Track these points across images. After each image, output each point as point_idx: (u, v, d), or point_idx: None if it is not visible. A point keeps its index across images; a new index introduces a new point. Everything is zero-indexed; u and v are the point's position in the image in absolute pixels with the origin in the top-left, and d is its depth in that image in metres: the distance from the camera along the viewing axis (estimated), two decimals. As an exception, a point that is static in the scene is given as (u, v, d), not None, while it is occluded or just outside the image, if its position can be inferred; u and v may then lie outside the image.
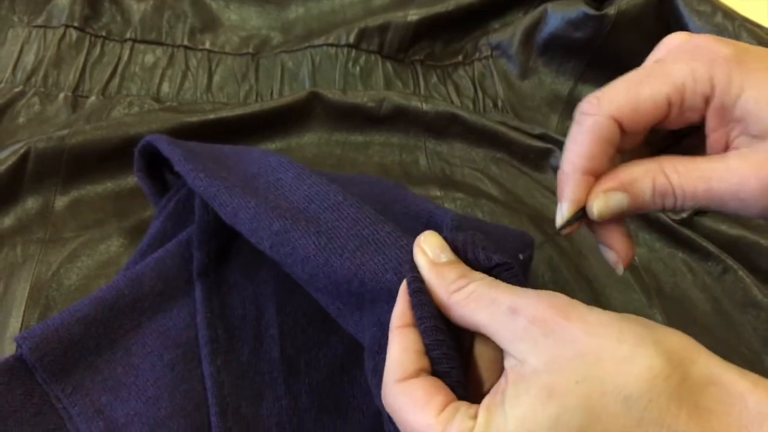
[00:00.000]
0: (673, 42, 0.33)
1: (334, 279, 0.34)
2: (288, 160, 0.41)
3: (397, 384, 0.28)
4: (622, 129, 0.30)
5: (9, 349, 0.44)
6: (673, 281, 0.52)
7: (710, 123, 0.30)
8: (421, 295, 0.30)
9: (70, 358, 0.39)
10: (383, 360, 0.30)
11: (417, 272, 0.31)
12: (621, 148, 0.32)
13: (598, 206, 0.31)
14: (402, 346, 0.29)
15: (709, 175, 0.29)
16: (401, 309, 0.30)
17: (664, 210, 0.31)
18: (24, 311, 0.45)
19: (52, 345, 0.39)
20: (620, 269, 0.33)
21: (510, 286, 0.28)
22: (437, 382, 0.28)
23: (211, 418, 0.38)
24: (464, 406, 0.27)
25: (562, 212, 0.32)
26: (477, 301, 0.28)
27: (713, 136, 0.30)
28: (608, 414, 0.24)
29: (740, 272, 0.50)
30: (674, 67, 0.30)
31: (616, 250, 0.33)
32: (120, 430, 0.38)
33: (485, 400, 0.27)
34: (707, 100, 0.30)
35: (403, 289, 0.31)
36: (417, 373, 0.28)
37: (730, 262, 0.51)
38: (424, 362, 0.29)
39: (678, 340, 0.25)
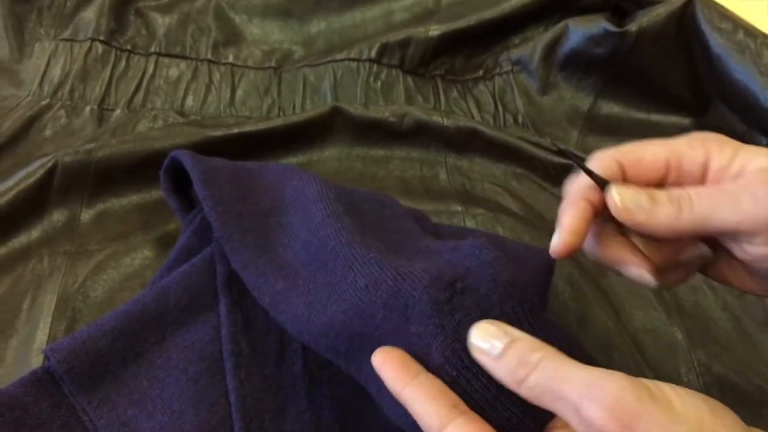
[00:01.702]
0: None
1: (315, 334, 0.36)
2: (308, 190, 0.42)
3: None
4: (625, 176, 0.33)
5: (36, 361, 0.44)
6: (694, 299, 0.52)
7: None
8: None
9: (97, 371, 0.40)
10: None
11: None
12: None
13: (620, 193, 0.33)
14: (426, 396, 0.30)
15: (718, 184, 0.32)
16: (402, 365, 0.31)
17: (677, 221, 0.31)
18: (51, 323, 0.46)
19: (80, 357, 0.39)
20: (648, 278, 0.34)
21: (571, 371, 0.27)
22: (476, 422, 0.29)
23: (235, 432, 0.39)
24: None
25: (558, 235, 0.34)
26: (542, 395, 0.28)
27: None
28: None
29: (761, 291, 0.50)
30: (673, 140, 0.34)
31: (631, 263, 0.34)
32: (145, 444, 0.38)
33: None
34: (704, 167, 0.33)
35: (389, 352, 0.32)
36: (451, 414, 0.29)
37: (751, 280, 0.51)
38: (453, 397, 0.30)
39: None
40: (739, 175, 0.32)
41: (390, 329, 0.33)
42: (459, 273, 0.33)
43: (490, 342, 0.30)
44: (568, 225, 0.33)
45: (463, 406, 0.30)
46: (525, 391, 0.28)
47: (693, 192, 0.31)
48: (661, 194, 0.32)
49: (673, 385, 0.27)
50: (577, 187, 0.35)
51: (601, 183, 0.33)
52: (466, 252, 0.35)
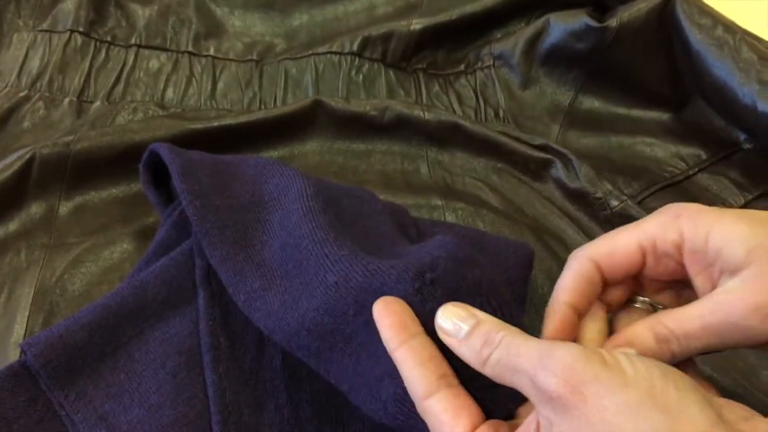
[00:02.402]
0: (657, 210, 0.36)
1: (287, 332, 0.36)
2: (291, 189, 0.42)
3: (422, 402, 0.30)
4: (602, 272, 0.34)
5: (13, 355, 0.44)
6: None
7: (690, 269, 0.33)
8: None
9: (74, 365, 0.39)
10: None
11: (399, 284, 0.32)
12: (617, 300, 0.36)
13: None
14: (415, 361, 0.30)
15: (701, 313, 0.31)
16: (400, 323, 0.31)
17: (674, 358, 0.32)
18: (28, 317, 0.46)
19: (57, 351, 0.39)
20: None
21: (526, 345, 0.28)
22: (461, 398, 0.30)
23: (213, 427, 0.39)
24: None
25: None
26: (503, 371, 0.29)
27: (698, 280, 0.32)
28: None
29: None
30: (645, 222, 0.34)
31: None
32: (123, 438, 0.38)
33: None
34: (679, 248, 0.32)
35: (391, 305, 0.31)
36: (438, 384, 0.29)
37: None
38: (443, 367, 0.30)
39: (698, 425, 0.25)
40: (713, 263, 0.31)
41: (362, 324, 0.33)
42: (427, 264, 0.33)
43: (456, 323, 0.31)
44: (549, 328, 0.34)
45: (452, 378, 0.30)
46: (489, 370, 0.29)
47: (683, 335, 0.31)
48: (646, 345, 0.32)
49: (629, 352, 0.28)
50: (557, 293, 0.35)
51: None
52: (435, 245, 0.35)
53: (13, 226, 0.51)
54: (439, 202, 0.55)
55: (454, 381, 0.31)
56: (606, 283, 0.35)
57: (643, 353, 0.31)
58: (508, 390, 0.30)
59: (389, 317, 0.31)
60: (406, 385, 0.31)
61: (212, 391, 0.39)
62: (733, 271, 0.31)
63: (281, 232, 0.40)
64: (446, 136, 0.59)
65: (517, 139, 0.59)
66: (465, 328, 0.30)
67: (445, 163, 0.59)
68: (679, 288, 0.35)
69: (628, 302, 0.36)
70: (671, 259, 0.33)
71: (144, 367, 0.40)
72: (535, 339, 0.29)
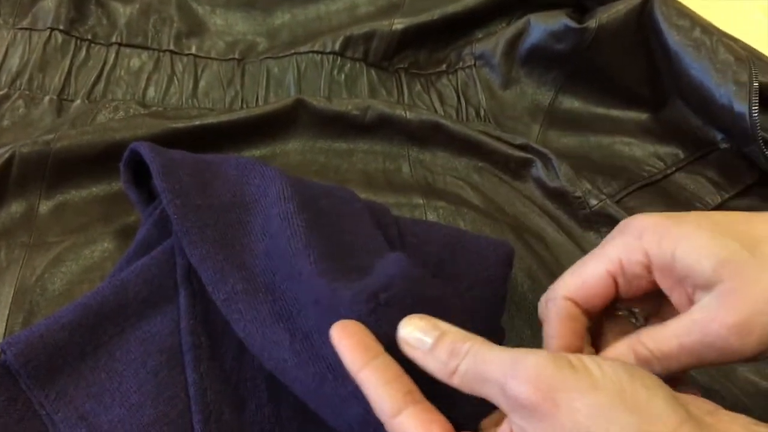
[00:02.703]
0: (620, 224, 0.36)
1: (259, 343, 0.37)
2: (270, 189, 0.42)
3: (391, 420, 0.29)
4: (580, 306, 0.34)
5: (-7, 355, 0.44)
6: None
7: (664, 286, 0.33)
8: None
9: (55, 365, 0.39)
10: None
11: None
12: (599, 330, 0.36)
13: None
14: (380, 381, 0.30)
15: (678, 332, 0.31)
16: (360, 344, 0.31)
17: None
18: (8, 316, 0.46)
19: (37, 351, 0.39)
20: None
21: (493, 354, 0.29)
22: (430, 412, 0.29)
23: (194, 425, 0.39)
24: None
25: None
26: (471, 381, 0.29)
27: (674, 296, 0.33)
28: None
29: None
30: (609, 245, 0.34)
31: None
32: (103, 437, 0.38)
33: None
34: (647, 267, 0.32)
35: (348, 327, 0.32)
36: (405, 401, 0.29)
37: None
38: (408, 384, 0.30)
39: (667, 423, 0.26)
40: (684, 279, 0.31)
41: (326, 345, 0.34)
42: (381, 285, 0.33)
43: (420, 336, 0.31)
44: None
45: (418, 394, 0.30)
46: (457, 380, 0.29)
47: (662, 355, 0.31)
48: (628, 361, 0.32)
49: (596, 356, 0.28)
50: (548, 341, 0.35)
51: None
52: (390, 263, 0.35)
53: (-8, 224, 0.50)
54: (421, 201, 0.56)
55: (421, 396, 0.30)
56: (590, 315, 0.35)
57: None
58: (473, 403, 0.30)
59: (348, 338, 0.31)
60: (372, 405, 0.30)
61: (193, 390, 0.39)
62: (705, 286, 0.31)
63: (263, 237, 0.40)
64: (427, 135, 0.60)
65: (498, 139, 0.59)
66: (429, 340, 0.30)
67: (427, 162, 0.60)
68: (659, 295, 0.35)
69: (609, 309, 0.36)
70: (642, 279, 0.33)
71: (125, 367, 0.40)
72: (502, 348, 0.29)
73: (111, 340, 0.41)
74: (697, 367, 0.32)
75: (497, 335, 0.44)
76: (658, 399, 0.26)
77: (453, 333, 0.30)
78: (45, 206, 0.52)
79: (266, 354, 0.37)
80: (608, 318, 0.37)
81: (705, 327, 0.30)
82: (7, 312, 0.46)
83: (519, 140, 0.59)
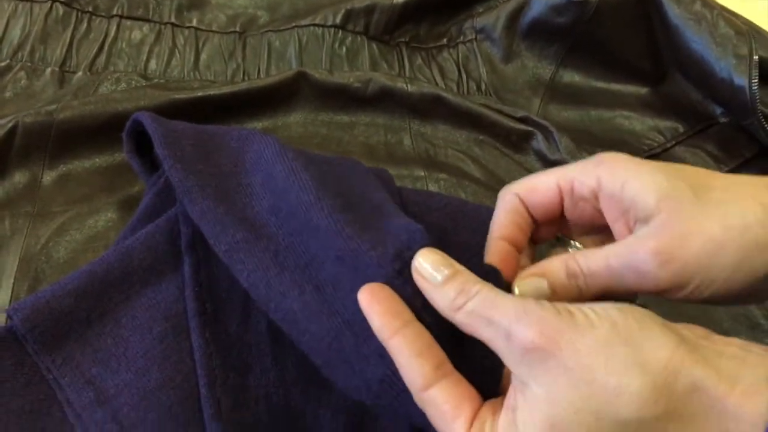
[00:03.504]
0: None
1: (264, 293, 0.37)
2: (266, 151, 0.42)
3: (421, 393, 0.30)
4: (527, 208, 0.36)
5: (-1, 321, 0.44)
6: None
7: (608, 215, 0.34)
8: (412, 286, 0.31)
9: (61, 330, 0.40)
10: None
11: (400, 264, 0.32)
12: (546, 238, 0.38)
13: (520, 287, 0.34)
14: (412, 352, 0.30)
15: (607, 254, 0.32)
16: (391, 311, 0.31)
17: (581, 295, 0.33)
18: (13, 284, 0.46)
19: (43, 316, 0.39)
20: None
21: (503, 300, 0.29)
22: (459, 386, 0.30)
23: (200, 389, 0.39)
24: (488, 422, 0.29)
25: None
26: (477, 321, 0.29)
27: (616, 227, 0.34)
28: None
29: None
30: (569, 166, 0.35)
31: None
32: (110, 401, 0.39)
33: (501, 420, 0.29)
34: (595, 193, 0.34)
35: (377, 293, 0.32)
36: (436, 375, 0.30)
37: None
38: (439, 355, 0.30)
39: (663, 355, 0.27)
40: (628, 210, 0.32)
41: (347, 301, 0.34)
42: (405, 242, 0.33)
43: (434, 269, 0.31)
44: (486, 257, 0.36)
45: (449, 366, 0.31)
46: (461, 317, 0.30)
47: (589, 272, 0.32)
48: (557, 277, 0.33)
49: (588, 303, 0.29)
50: (492, 228, 0.37)
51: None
52: (407, 226, 0.35)
53: (-4, 194, 0.51)
54: (422, 173, 0.56)
55: (451, 368, 0.31)
56: (536, 222, 0.37)
57: (554, 285, 0.33)
58: (495, 366, 0.31)
59: (379, 304, 0.31)
60: (402, 375, 0.30)
61: (199, 355, 0.40)
62: (645, 219, 0.32)
63: (266, 194, 0.40)
64: (429, 108, 0.60)
65: (499, 112, 0.59)
66: (442, 275, 0.31)
67: (428, 135, 0.60)
68: (605, 234, 0.36)
69: (555, 241, 0.38)
70: (588, 203, 0.34)
71: (131, 333, 0.41)
72: (510, 296, 0.30)
73: (117, 306, 0.41)
74: (618, 289, 0.33)
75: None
76: (650, 329, 0.27)
77: (466, 273, 0.31)
78: (48, 177, 0.52)
79: (273, 305, 0.37)
80: (554, 248, 0.38)
81: (631, 250, 0.31)
82: (12, 280, 0.46)
83: (520, 113, 0.59)
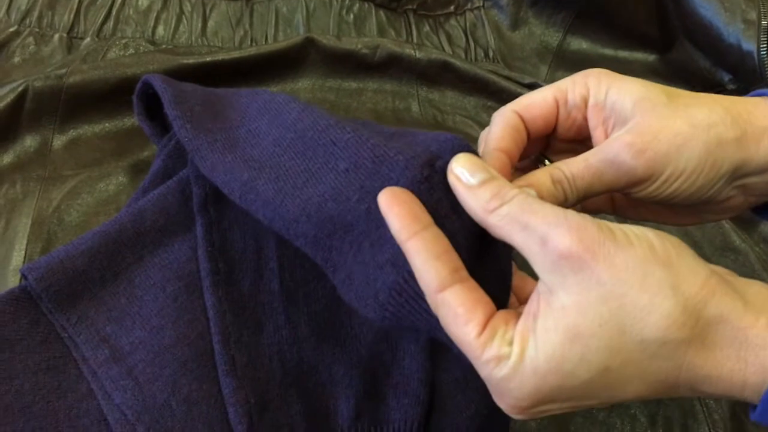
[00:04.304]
0: None
1: (287, 219, 0.35)
2: (278, 97, 0.42)
3: (436, 295, 0.29)
4: (524, 121, 0.36)
5: (12, 281, 0.45)
6: (655, 226, 0.53)
7: (591, 121, 0.36)
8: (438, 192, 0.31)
9: (75, 289, 0.40)
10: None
11: (421, 171, 0.32)
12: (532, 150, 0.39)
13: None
14: (429, 254, 0.30)
15: (586, 156, 0.34)
16: (410, 213, 0.31)
17: (566, 198, 0.34)
18: (26, 245, 0.46)
19: (58, 276, 0.40)
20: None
21: (542, 206, 0.29)
22: (474, 292, 0.30)
23: (214, 346, 0.40)
24: (501, 329, 0.29)
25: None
26: (511, 225, 0.29)
27: (596, 133, 0.36)
28: (626, 350, 0.27)
29: (720, 218, 0.52)
30: (562, 80, 0.37)
31: None
32: (125, 358, 0.39)
33: (519, 326, 0.29)
34: (585, 100, 0.36)
35: (398, 195, 0.31)
36: (452, 278, 0.29)
37: (710, 208, 0.53)
38: (456, 260, 0.30)
39: (696, 282, 0.27)
40: (609, 117, 0.35)
41: (363, 212, 0.33)
42: (435, 152, 0.33)
43: (471, 172, 0.31)
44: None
45: (465, 272, 0.30)
46: (494, 219, 0.30)
47: (571, 175, 0.34)
48: (543, 184, 0.34)
49: (623, 224, 0.29)
50: (489, 140, 0.36)
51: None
52: (437, 136, 0.35)
53: (7, 158, 0.51)
54: (430, 139, 0.56)
55: (467, 275, 0.30)
56: (528, 135, 0.37)
57: (541, 193, 0.33)
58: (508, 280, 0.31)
59: (398, 206, 0.31)
60: (417, 277, 0.30)
61: (212, 313, 0.40)
62: (623, 122, 0.34)
63: (273, 130, 0.40)
64: (437, 74, 0.60)
65: (507, 78, 0.59)
66: (477, 177, 0.31)
67: (436, 101, 0.60)
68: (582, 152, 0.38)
69: (536, 162, 0.40)
70: (579, 111, 0.36)
71: (144, 292, 0.41)
72: (549, 203, 0.29)
73: (130, 266, 0.42)
74: (599, 190, 0.34)
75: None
76: (685, 256, 0.28)
77: (502, 179, 0.31)
78: (59, 141, 0.52)
79: (292, 232, 0.36)
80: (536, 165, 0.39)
81: (608, 144, 0.33)
82: (25, 241, 0.47)
83: (528, 79, 0.59)
